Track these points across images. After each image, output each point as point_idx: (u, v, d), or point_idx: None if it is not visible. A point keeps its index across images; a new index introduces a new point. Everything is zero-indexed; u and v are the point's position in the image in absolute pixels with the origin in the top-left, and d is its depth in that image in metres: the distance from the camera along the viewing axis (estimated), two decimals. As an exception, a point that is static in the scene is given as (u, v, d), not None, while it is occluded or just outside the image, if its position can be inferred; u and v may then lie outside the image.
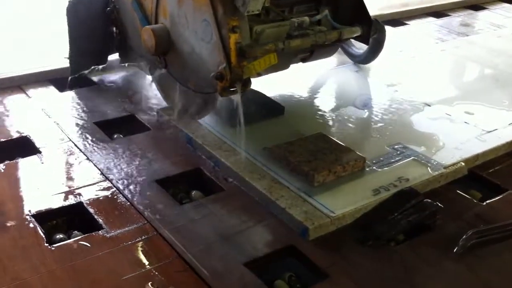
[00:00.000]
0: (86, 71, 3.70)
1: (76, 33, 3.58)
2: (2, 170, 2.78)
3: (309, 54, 3.43)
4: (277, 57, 2.80)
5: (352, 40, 3.82)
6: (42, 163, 2.87)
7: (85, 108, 3.42)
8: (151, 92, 3.58)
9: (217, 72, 2.70)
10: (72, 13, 3.52)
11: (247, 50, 2.71)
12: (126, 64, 3.76)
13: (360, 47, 3.98)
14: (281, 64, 3.12)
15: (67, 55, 3.64)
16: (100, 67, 3.77)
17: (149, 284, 2.12)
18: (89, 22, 3.58)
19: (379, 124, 3.29)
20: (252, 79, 3.42)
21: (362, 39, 3.41)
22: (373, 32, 3.42)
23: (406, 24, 5.23)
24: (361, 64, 4.05)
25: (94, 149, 2.98)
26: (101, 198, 2.61)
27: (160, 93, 3.39)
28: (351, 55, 4.08)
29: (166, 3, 2.99)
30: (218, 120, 3.14)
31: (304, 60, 3.48)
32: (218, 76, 2.70)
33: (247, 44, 2.76)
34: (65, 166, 2.85)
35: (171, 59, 3.11)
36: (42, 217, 2.47)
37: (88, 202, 2.57)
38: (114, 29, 3.64)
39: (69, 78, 3.64)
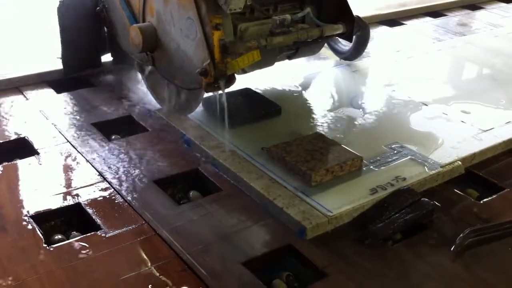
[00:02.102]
0: (79, 72, 3.74)
1: (67, 33, 3.62)
2: (0, 172, 2.79)
3: (295, 51, 3.48)
4: (261, 53, 2.85)
5: (339, 38, 3.87)
6: (40, 164, 2.88)
7: (82, 109, 3.42)
8: (148, 93, 3.59)
9: (201, 68, 2.77)
10: (63, 13, 3.55)
11: (230, 46, 2.77)
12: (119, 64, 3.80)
13: (346, 44, 4.02)
14: (266, 61, 3.19)
15: (60, 55, 3.69)
16: (95, 70, 3.81)
17: (149, 286, 2.13)
18: (79, 21, 3.61)
19: (376, 124, 3.30)
20: (251, 81, 3.46)
21: (345, 36, 3.46)
22: (356, 29, 3.46)
23: (403, 24, 5.23)
24: (346, 60, 4.10)
25: (92, 150, 2.99)
26: (99, 198, 2.62)
27: (149, 90, 3.44)
28: (337, 52, 4.13)
29: (152, 2, 3.06)
30: (216, 120, 3.14)
31: (289, 57, 3.53)
32: (203, 72, 2.77)
33: (230, 41, 2.82)
34: (63, 167, 2.86)
35: (158, 56, 3.17)
36: (40, 218, 2.48)
37: (86, 202, 2.58)
38: (105, 28, 3.67)
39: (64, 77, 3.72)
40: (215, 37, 2.74)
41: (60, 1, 3.52)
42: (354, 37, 3.56)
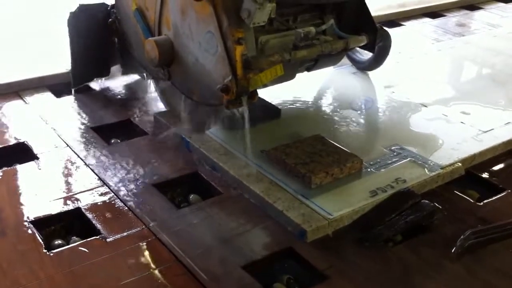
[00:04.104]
0: (87, 83, 3.70)
1: (77, 45, 3.53)
2: (0, 177, 2.78)
3: (314, 63, 3.34)
4: (283, 68, 2.75)
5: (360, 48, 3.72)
6: (40, 169, 2.87)
7: (82, 114, 3.43)
8: (148, 97, 3.59)
9: (222, 84, 2.65)
10: (73, 24, 3.46)
11: (253, 62, 2.65)
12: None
13: (364, 54, 3.92)
14: (287, 75, 3.02)
15: (69, 67, 3.61)
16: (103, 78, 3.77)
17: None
18: (90, 33, 3.52)
19: (376, 126, 3.30)
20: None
21: (367, 47, 3.36)
22: (378, 39, 3.36)
23: (402, 25, 5.24)
24: (365, 70, 3.99)
25: (91, 155, 2.99)
26: (99, 203, 2.61)
27: (164, 104, 3.35)
28: (355, 62, 4.01)
29: (169, 14, 2.94)
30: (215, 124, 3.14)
31: (308, 69, 3.40)
32: (224, 88, 2.64)
33: (252, 56, 2.71)
34: (62, 172, 2.85)
35: (175, 70, 3.05)
36: (40, 223, 2.48)
37: (86, 207, 2.58)
38: (116, 40, 3.58)
39: (72, 90, 3.64)
40: (237, 52, 2.61)
41: (70, 13, 3.44)
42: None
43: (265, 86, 2.90)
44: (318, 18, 3.16)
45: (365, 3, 3.34)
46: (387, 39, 3.71)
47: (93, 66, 3.66)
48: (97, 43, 3.58)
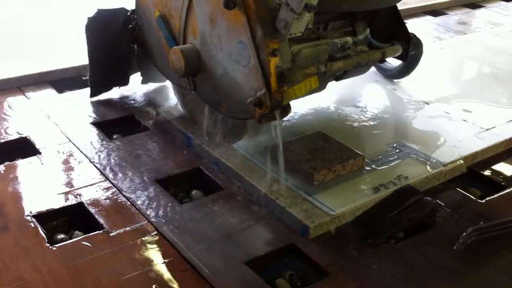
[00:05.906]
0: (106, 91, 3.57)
1: (96, 52, 3.37)
2: (2, 171, 2.78)
3: (343, 72, 3.16)
4: (319, 80, 2.64)
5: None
6: (42, 164, 2.88)
7: (84, 109, 3.43)
8: (150, 92, 3.59)
9: (255, 98, 2.50)
10: (92, 31, 3.31)
11: (287, 74, 2.51)
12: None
13: (391, 61, 3.75)
14: (319, 86, 2.84)
15: (87, 76, 3.49)
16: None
17: (153, 286, 2.13)
18: (109, 39, 3.34)
19: (378, 123, 3.30)
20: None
21: (400, 56, 3.20)
22: (411, 48, 3.24)
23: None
24: (392, 79, 3.84)
25: (93, 150, 2.99)
26: (102, 198, 2.61)
27: (190, 115, 3.23)
28: (381, 69, 3.85)
29: (196, 22, 2.76)
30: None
31: (337, 78, 3.23)
32: (257, 102, 2.49)
33: (287, 68, 2.56)
34: (65, 167, 2.86)
35: (201, 81, 2.88)
36: (43, 217, 2.48)
37: (88, 202, 2.58)
38: (136, 47, 3.36)
39: (90, 99, 3.53)
40: (272, 64, 2.44)
41: (88, 18, 3.27)
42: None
43: (296, 98, 2.73)
44: (349, 25, 3.03)
45: (397, 10, 3.19)
46: (419, 47, 3.57)
47: (112, 75, 3.48)
48: (117, 50, 3.37)
